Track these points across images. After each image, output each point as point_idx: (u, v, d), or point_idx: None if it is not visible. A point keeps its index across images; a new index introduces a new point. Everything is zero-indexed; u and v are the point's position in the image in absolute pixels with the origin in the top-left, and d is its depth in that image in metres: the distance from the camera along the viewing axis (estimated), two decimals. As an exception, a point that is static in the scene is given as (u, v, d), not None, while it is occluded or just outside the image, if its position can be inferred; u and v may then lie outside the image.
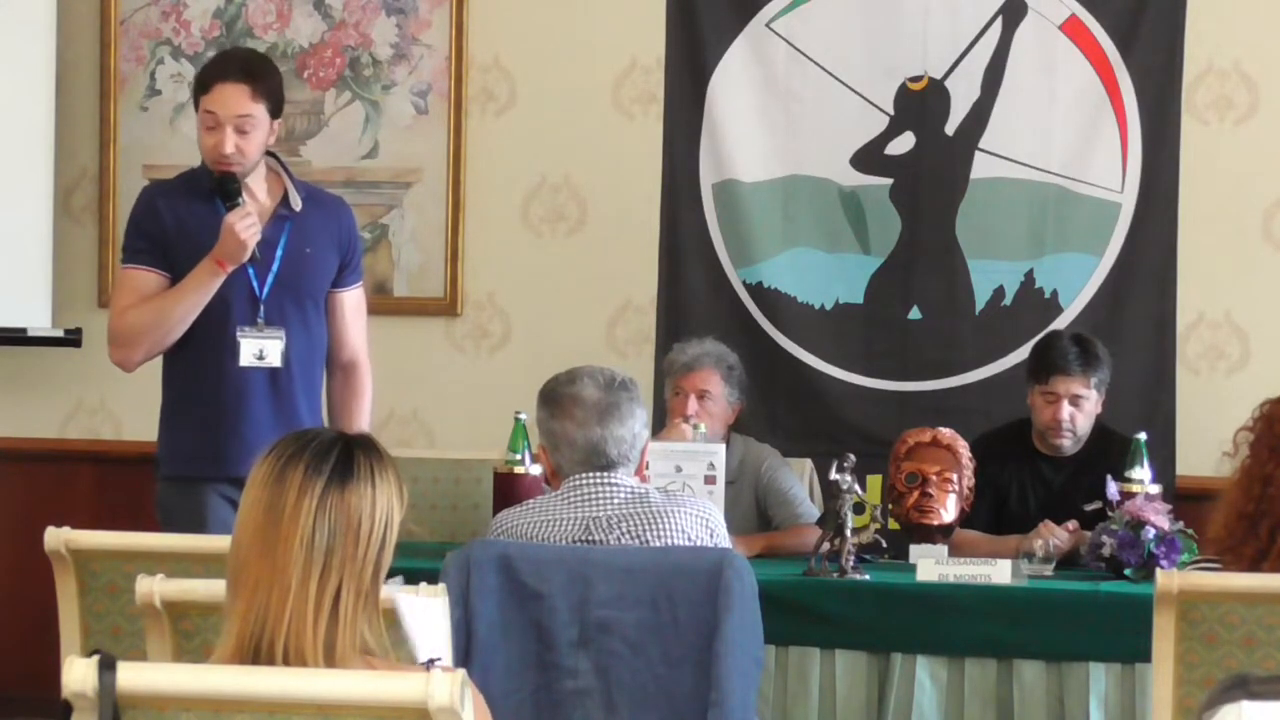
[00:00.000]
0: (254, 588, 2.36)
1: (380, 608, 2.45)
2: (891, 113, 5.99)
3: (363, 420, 4.72)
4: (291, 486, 2.38)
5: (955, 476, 4.77)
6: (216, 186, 4.57)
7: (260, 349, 4.57)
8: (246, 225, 4.48)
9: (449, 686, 2.19)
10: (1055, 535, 4.67)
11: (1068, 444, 5.05)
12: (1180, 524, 4.44)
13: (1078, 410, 5.02)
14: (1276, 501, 3.63)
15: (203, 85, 4.57)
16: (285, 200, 4.63)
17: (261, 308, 4.58)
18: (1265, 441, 3.69)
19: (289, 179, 4.68)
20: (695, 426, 4.96)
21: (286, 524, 2.37)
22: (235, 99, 4.53)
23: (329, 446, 2.42)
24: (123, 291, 4.66)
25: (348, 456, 2.41)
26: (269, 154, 4.72)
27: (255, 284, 4.58)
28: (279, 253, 4.59)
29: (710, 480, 4.65)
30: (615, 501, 3.88)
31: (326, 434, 2.45)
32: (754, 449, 5.23)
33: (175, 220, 4.59)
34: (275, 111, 4.60)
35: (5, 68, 6.19)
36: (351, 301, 4.75)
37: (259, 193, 4.64)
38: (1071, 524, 4.75)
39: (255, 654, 2.35)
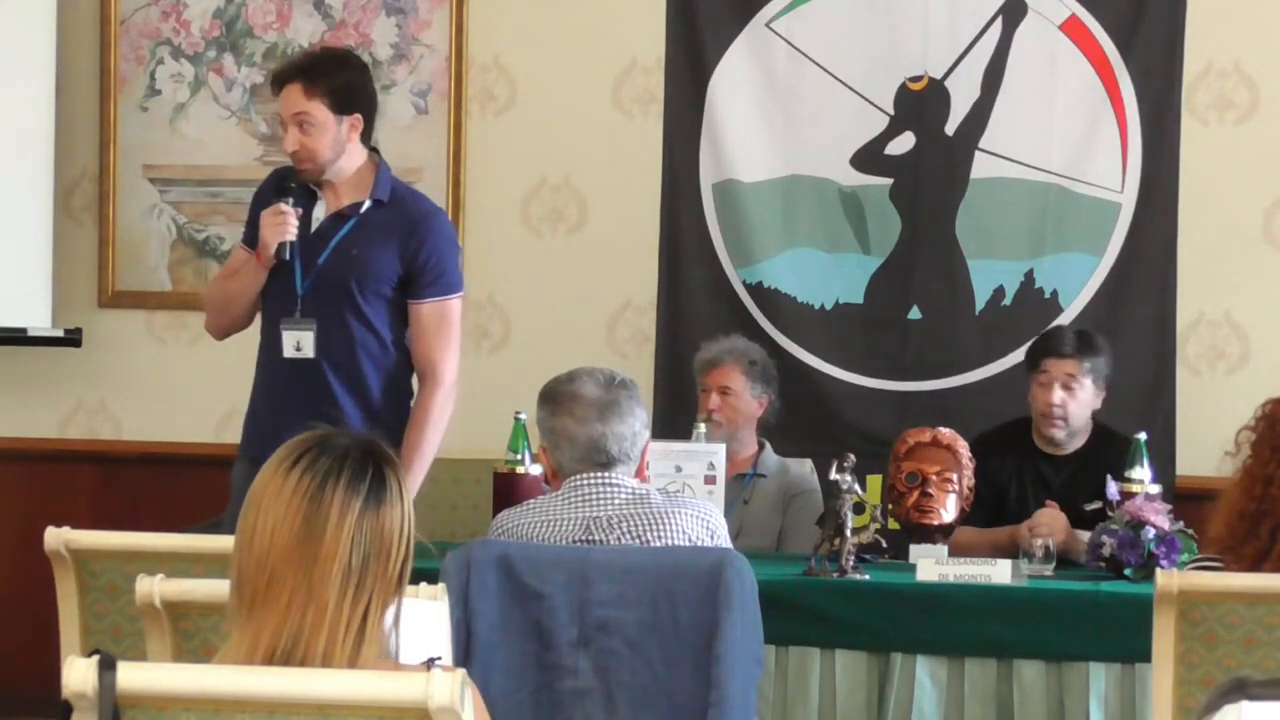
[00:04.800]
0: (287, 604, 2.35)
1: (400, 614, 2.45)
2: (891, 113, 5.99)
3: (420, 436, 4.66)
4: (332, 505, 2.37)
5: (955, 476, 4.77)
6: (277, 181, 4.73)
7: (298, 340, 4.68)
8: (272, 224, 4.62)
9: (449, 686, 2.19)
10: (1051, 529, 4.69)
11: (1060, 434, 5.06)
12: (1180, 524, 4.44)
13: (1070, 396, 5.03)
14: (1278, 502, 3.63)
15: (274, 89, 4.75)
16: (363, 200, 4.70)
17: (298, 302, 4.67)
18: (1267, 441, 3.69)
19: (378, 180, 4.71)
20: (696, 425, 4.98)
21: (327, 544, 2.36)
22: (291, 98, 4.65)
23: (362, 462, 2.41)
24: (226, 265, 4.98)
25: (380, 474, 2.42)
26: (374, 151, 4.76)
27: (299, 278, 4.67)
28: (327, 249, 4.66)
29: (710, 480, 4.66)
30: (616, 502, 3.89)
31: (353, 445, 2.43)
32: (801, 471, 5.30)
33: (266, 205, 4.72)
34: (341, 106, 4.64)
35: (5, 68, 6.18)
36: (425, 315, 4.71)
37: (343, 190, 4.70)
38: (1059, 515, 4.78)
39: (283, 665, 2.35)
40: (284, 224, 4.61)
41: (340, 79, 4.67)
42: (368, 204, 4.68)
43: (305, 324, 4.66)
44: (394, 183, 4.77)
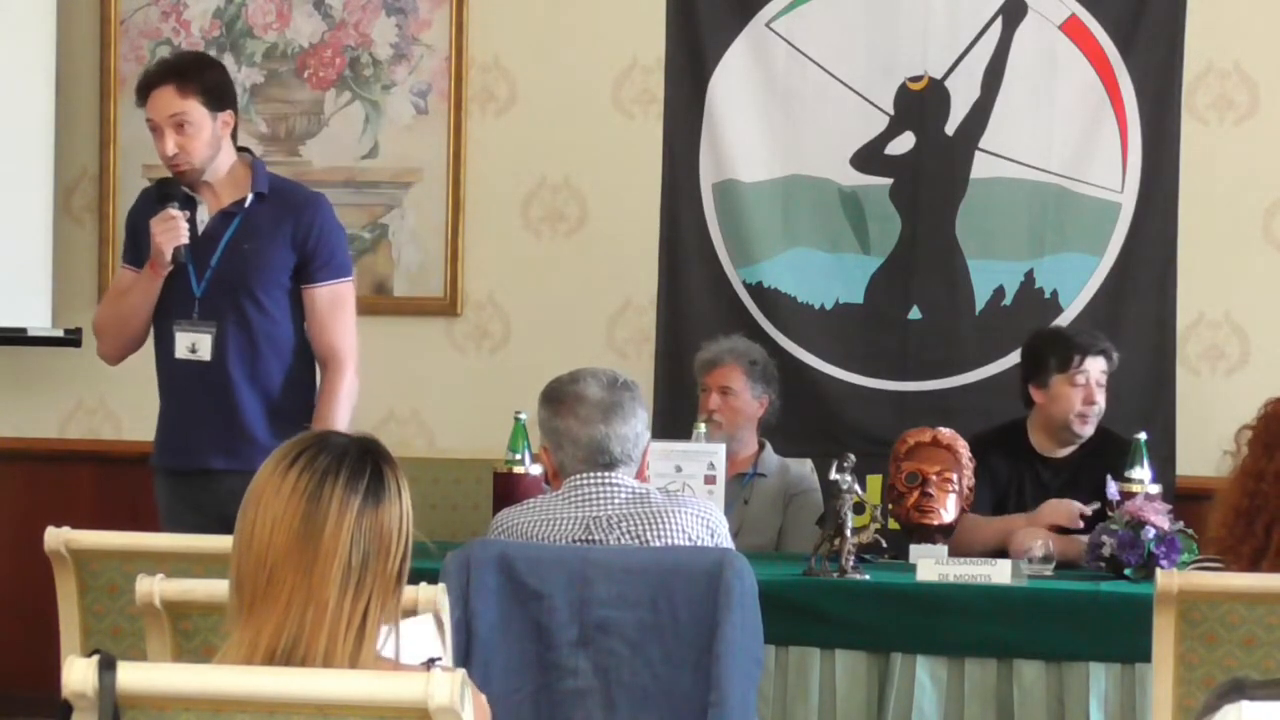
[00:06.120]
0: (288, 602, 2.35)
1: (400, 611, 2.45)
2: (891, 113, 5.99)
3: (330, 417, 4.68)
4: (331, 503, 2.37)
5: (955, 476, 4.77)
6: (155, 188, 4.72)
7: (193, 343, 4.68)
8: (164, 229, 4.62)
9: (449, 686, 2.19)
10: (1059, 521, 4.72)
11: (1090, 430, 5.06)
12: (1180, 524, 4.44)
13: (1101, 394, 5.06)
14: (1271, 497, 3.63)
15: (139, 96, 4.71)
16: (245, 197, 4.70)
17: (196, 304, 4.68)
18: (1261, 438, 3.69)
19: (255, 175, 4.74)
20: (696, 425, 4.98)
21: (326, 541, 2.36)
22: (164, 100, 4.64)
23: (360, 460, 2.41)
24: (109, 288, 4.91)
25: (379, 472, 2.42)
26: (244, 150, 4.77)
27: (193, 280, 4.68)
28: (219, 248, 4.68)
29: (710, 480, 4.66)
30: (616, 501, 3.89)
31: (351, 443, 2.44)
32: (802, 470, 5.30)
33: (146, 220, 4.71)
34: (214, 104, 4.67)
35: (5, 68, 6.19)
36: (321, 298, 4.75)
37: (222, 190, 4.72)
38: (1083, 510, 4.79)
39: (284, 665, 2.35)
40: (176, 228, 4.61)
41: (211, 77, 4.72)
42: (250, 198, 4.70)
43: (203, 326, 4.67)
44: (270, 176, 4.80)
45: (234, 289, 4.67)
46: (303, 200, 4.79)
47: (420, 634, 2.94)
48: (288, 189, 4.83)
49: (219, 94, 4.68)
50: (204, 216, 4.71)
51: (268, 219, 4.70)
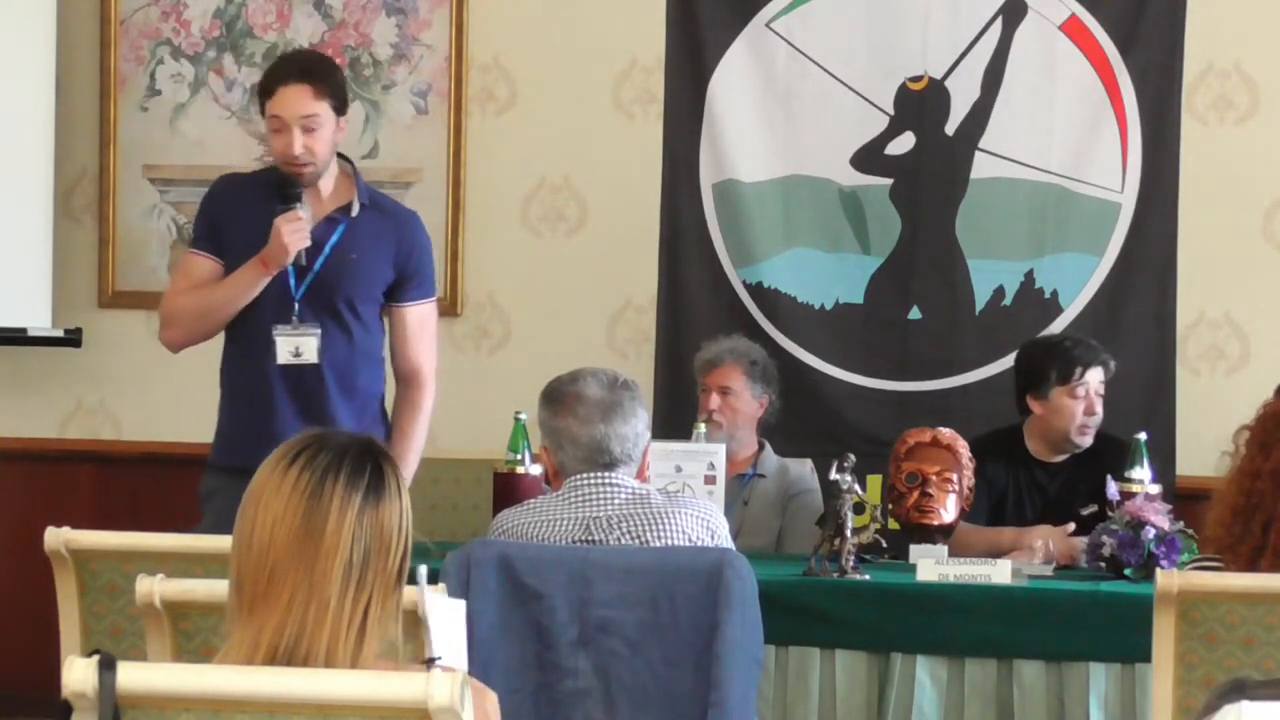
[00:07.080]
0: (289, 600, 2.35)
1: (400, 611, 2.45)
2: (891, 113, 5.99)
3: (414, 433, 4.72)
4: (332, 501, 2.37)
5: (955, 476, 4.77)
6: (278, 187, 4.63)
7: (296, 346, 4.64)
8: (292, 230, 4.55)
9: (449, 686, 2.19)
10: (1053, 540, 4.69)
11: (1089, 440, 5.06)
12: (1180, 524, 4.44)
13: (1100, 404, 5.07)
14: (1267, 495, 3.63)
15: (266, 90, 4.64)
16: (348, 204, 4.67)
17: (296, 306, 4.63)
18: (1258, 438, 3.69)
19: (358, 183, 4.71)
20: (696, 425, 4.98)
21: (328, 540, 2.36)
22: (298, 100, 4.58)
23: (360, 459, 2.41)
24: (178, 274, 4.93)
25: (379, 470, 2.42)
26: (343, 158, 4.75)
27: (293, 283, 4.64)
28: (324, 254, 4.65)
29: (710, 480, 4.66)
30: (616, 502, 3.89)
31: (351, 443, 2.44)
32: (801, 471, 5.30)
33: (236, 212, 4.68)
34: (340, 108, 4.66)
35: (5, 68, 6.19)
36: (413, 317, 4.76)
37: (326, 194, 4.70)
38: (1069, 525, 4.77)
39: (285, 664, 2.35)
40: (303, 230, 4.58)
41: (339, 80, 4.72)
42: (357, 207, 4.69)
43: (306, 330, 4.63)
44: (367, 186, 4.79)
45: (332, 296, 4.64)
46: (406, 217, 4.80)
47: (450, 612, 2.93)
48: (386, 201, 4.84)
49: (343, 98, 4.67)
50: (305, 218, 4.66)
51: (371, 230, 4.69)
